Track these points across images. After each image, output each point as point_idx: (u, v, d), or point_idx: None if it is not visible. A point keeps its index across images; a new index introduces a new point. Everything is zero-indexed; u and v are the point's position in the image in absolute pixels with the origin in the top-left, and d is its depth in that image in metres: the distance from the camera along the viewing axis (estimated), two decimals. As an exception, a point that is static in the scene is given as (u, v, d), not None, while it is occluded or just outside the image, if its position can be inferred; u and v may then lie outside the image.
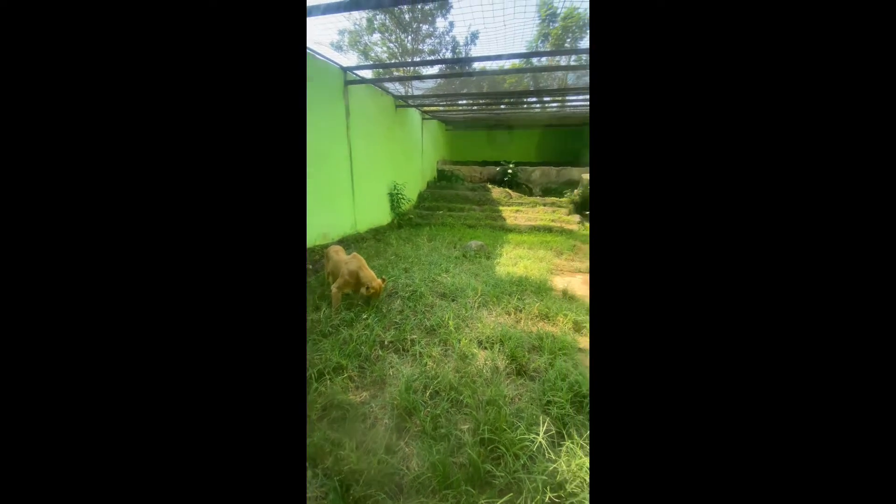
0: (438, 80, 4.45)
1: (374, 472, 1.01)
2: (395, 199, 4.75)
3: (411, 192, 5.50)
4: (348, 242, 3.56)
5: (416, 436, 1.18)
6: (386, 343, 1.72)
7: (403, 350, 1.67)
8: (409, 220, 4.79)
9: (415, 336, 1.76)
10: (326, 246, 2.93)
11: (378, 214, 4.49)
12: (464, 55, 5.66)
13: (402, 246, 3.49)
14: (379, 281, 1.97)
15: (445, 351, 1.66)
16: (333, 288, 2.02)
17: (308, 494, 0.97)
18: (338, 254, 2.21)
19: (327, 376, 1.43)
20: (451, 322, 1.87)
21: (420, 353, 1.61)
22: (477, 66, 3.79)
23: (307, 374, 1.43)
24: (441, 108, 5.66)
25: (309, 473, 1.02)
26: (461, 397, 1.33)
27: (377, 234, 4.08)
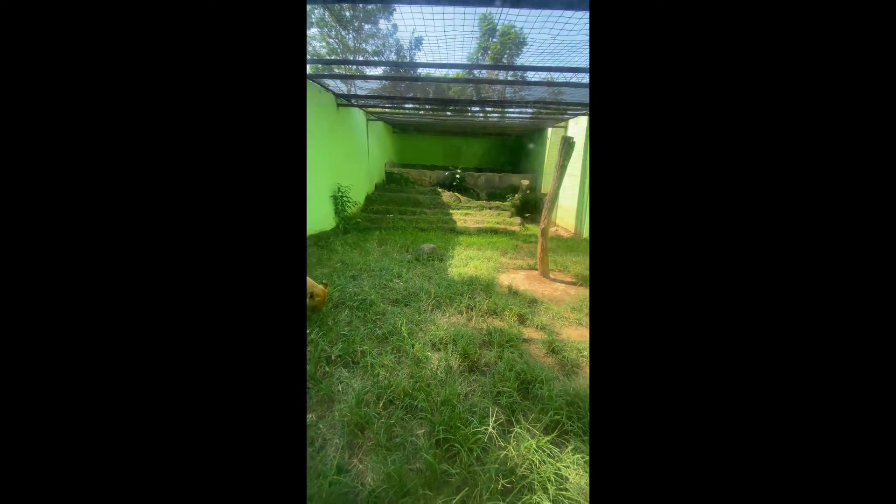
0: (383, 82, 4.45)
1: (325, 496, 0.96)
2: (339, 202, 4.55)
3: (358, 195, 5.31)
4: None
5: (370, 450, 1.16)
6: (333, 358, 1.64)
7: (353, 363, 1.62)
8: (356, 225, 4.63)
9: (365, 347, 1.71)
10: None
11: (320, 219, 4.25)
12: (408, 59, 5.78)
13: (348, 252, 3.33)
14: (321, 287, 1.85)
15: (399, 358, 1.65)
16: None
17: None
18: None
19: None
20: (404, 328, 1.86)
21: (371, 363, 1.58)
22: (422, 71, 3.92)
23: None
24: (387, 110, 5.64)
25: None
26: (416, 402, 1.34)
27: (320, 240, 3.85)
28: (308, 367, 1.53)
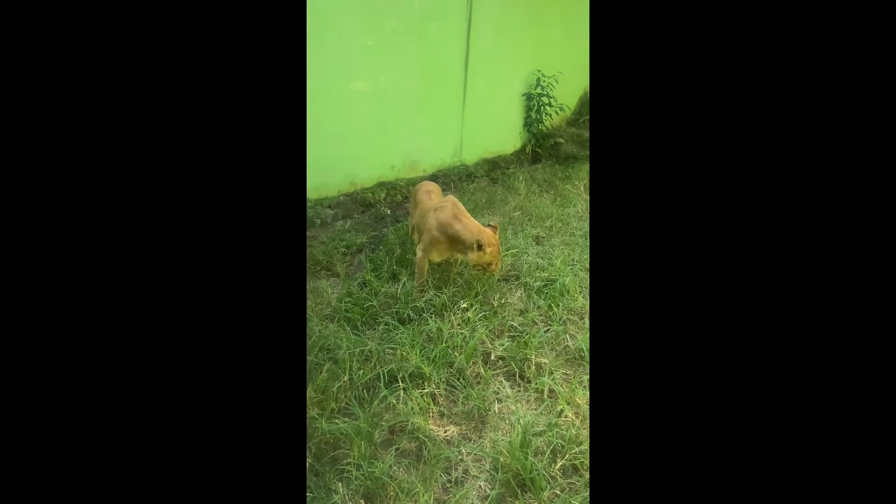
0: None
1: None
2: (534, 104, 3.46)
3: (568, 93, 3.91)
4: (447, 181, 3.08)
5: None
6: (494, 358, 1.43)
7: (521, 377, 1.38)
8: (554, 147, 3.53)
9: (545, 360, 1.41)
10: (415, 182, 2.45)
11: (501, 133, 3.44)
12: None
13: (535, 196, 2.79)
14: (489, 230, 1.63)
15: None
16: (418, 251, 1.63)
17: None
18: (429, 196, 1.80)
19: (401, 384, 1.31)
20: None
21: (552, 390, 1.31)
22: None
23: (378, 374, 1.32)
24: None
25: None
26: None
27: (494, 168, 3.20)
28: (458, 359, 1.42)
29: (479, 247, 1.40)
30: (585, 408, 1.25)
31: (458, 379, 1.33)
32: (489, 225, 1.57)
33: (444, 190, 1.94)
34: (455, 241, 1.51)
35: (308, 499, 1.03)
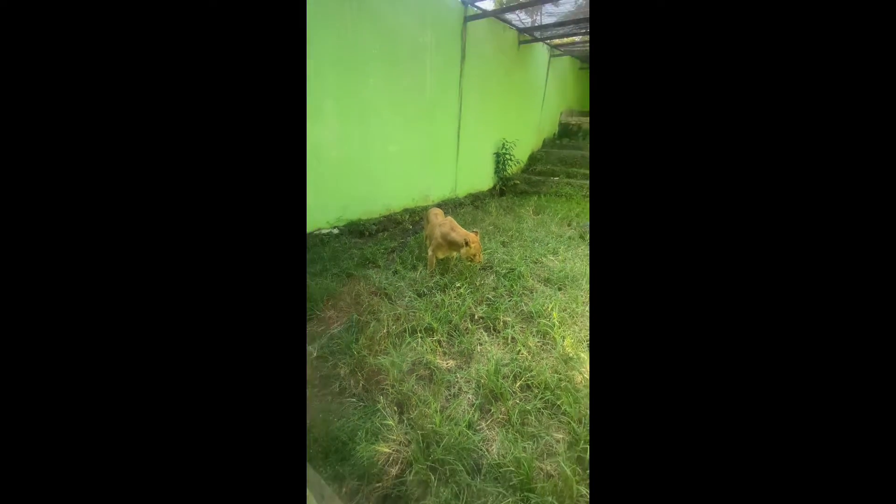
0: (579, 1, 3.70)
1: (453, 441, 1.10)
2: (501, 160, 4.58)
3: (522, 152, 5.22)
4: (447, 207, 3.73)
5: (500, 422, 1.21)
6: (476, 318, 1.77)
7: (494, 330, 1.69)
8: (513, 187, 4.60)
9: (508, 318, 1.74)
10: (427, 208, 3.14)
11: (480, 177, 4.47)
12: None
13: (501, 216, 3.42)
14: (473, 234, 1.99)
15: (543, 345, 1.59)
16: (429, 251, 2.21)
17: (392, 437, 1.14)
18: (436, 216, 2.39)
19: (419, 335, 1.61)
20: (555, 314, 1.76)
21: (513, 338, 1.60)
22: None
23: (405, 328, 1.65)
24: (578, 39, 4.79)
25: (395, 419, 1.19)
26: (558, 402, 1.26)
27: (476, 200, 4.11)
28: (454, 318, 1.73)
29: (467, 244, 1.91)
30: (534, 349, 1.50)
31: (455, 331, 1.61)
32: (473, 231, 2.02)
33: (445, 212, 2.47)
34: (452, 244, 1.99)
35: (361, 407, 1.23)
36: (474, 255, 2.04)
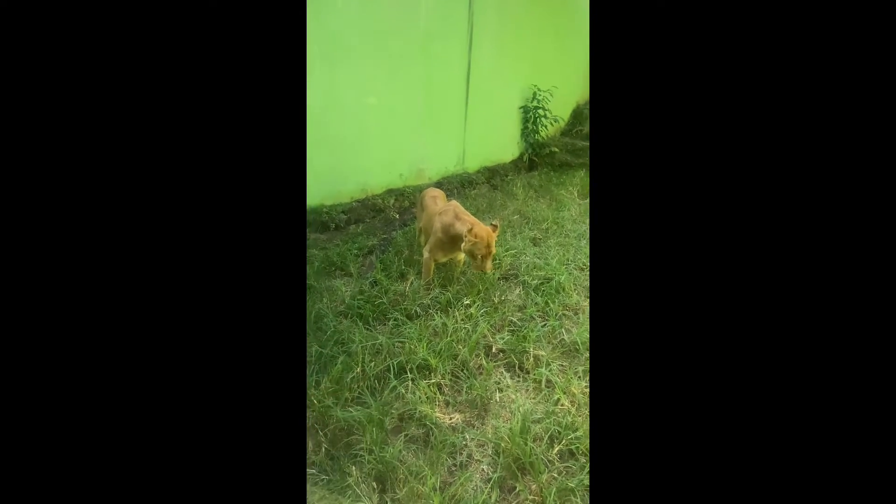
0: None
1: None
2: (531, 117, 3.37)
3: (562, 106, 3.80)
4: (450, 187, 3.09)
5: (529, 508, 1.08)
6: (495, 350, 1.44)
7: (521, 368, 1.37)
8: (549, 157, 3.41)
9: (542, 352, 1.40)
10: (422, 188, 2.61)
11: (499, 143, 3.40)
12: None
13: (532, 201, 2.80)
14: (489, 228, 1.58)
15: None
16: (425, 252, 1.62)
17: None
18: (434, 201, 1.80)
19: (409, 375, 1.32)
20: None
21: (549, 381, 1.30)
22: None
23: (389, 366, 1.33)
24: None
25: (376, 498, 0.99)
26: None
27: (494, 176, 3.15)
28: (462, 351, 1.42)
29: (470, 231, 1.43)
30: (580, 396, 1.24)
31: (462, 370, 1.34)
32: (491, 224, 1.56)
33: (448, 195, 1.94)
34: (456, 239, 1.53)
35: (324, 481, 1.01)
36: (478, 256, 1.43)
